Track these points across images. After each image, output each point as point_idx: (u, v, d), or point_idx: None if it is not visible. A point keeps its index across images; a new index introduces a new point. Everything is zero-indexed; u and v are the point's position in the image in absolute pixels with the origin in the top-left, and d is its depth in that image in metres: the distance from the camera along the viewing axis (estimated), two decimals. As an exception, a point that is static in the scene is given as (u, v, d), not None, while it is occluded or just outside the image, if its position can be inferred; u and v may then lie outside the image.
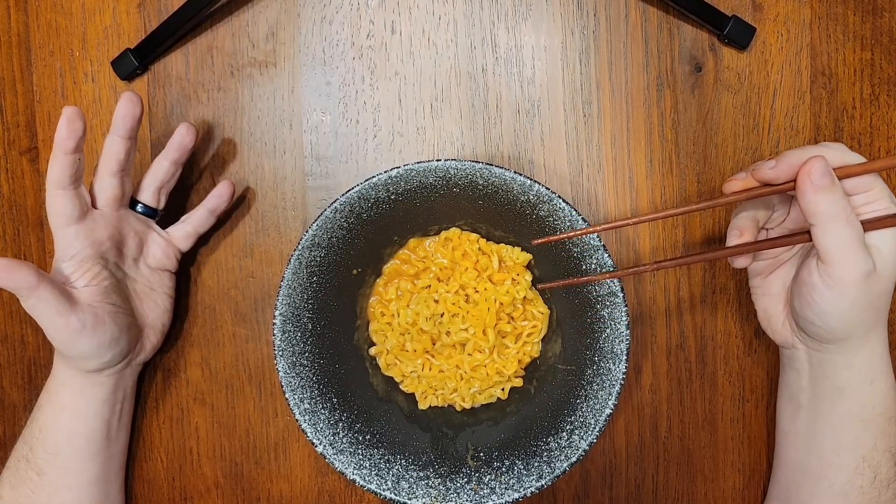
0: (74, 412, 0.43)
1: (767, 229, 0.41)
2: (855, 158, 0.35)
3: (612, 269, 0.40)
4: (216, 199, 0.45)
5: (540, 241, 0.40)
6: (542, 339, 0.45)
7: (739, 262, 0.40)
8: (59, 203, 0.39)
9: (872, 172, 0.35)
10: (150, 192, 0.44)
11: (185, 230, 0.45)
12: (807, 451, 0.41)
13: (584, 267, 0.41)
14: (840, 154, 0.35)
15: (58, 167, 0.38)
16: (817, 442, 0.40)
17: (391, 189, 0.41)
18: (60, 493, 0.43)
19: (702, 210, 0.42)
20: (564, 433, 0.41)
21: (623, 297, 0.40)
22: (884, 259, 0.35)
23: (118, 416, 0.45)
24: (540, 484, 0.40)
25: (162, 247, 0.44)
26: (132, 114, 0.40)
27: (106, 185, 0.41)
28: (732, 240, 0.39)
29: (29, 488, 0.43)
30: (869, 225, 0.35)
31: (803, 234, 0.37)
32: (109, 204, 0.41)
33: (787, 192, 0.37)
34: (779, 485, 0.44)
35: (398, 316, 0.44)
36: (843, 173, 0.35)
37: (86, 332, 0.40)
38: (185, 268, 0.48)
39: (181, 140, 0.43)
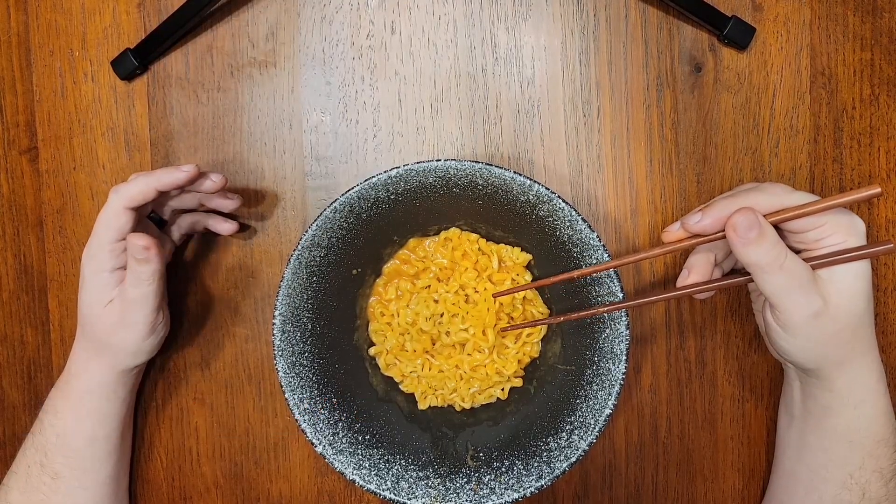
0: (98, 416, 0.43)
1: (723, 266, 0.41)
2: (796, 198, 0.34)
3: (612, 269, 0.40)
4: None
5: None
6: (542, 339, 0.45)
7: (699, 296, 0.40)
8: (123, 220, 0.40)
9: (806, 216, 0.34)
10: (168, 209, 0.45)
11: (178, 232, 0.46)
12: (798, 460, 0.41)
13: (583, 266, 0.41)
14: (777, 198, 0.34)
15: (140, 192, 0.39)
16: (807, 454, 0.40)
17: (391, 189, 0.41)
18: (76, 494, 0.44)
19: (654, 257, 0.42)
20: (564, 433, 0.41)
21: (623, 297, 0.40)
22: (839, 295, 0.34)
23: (130, 414, 0.46)
24: (540, 484, 0.40)
25: (168, 247, 0.46)
26: (218, 185, 0.41)
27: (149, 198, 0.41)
28: (682, 279, 0.39)
29: (43, 493, 0.43)
30: (818, 264, 0.34)
31: (748, 275, 0.36)
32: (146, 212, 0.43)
33: (719, 240, 0.36)
34: (774, 490, 0.44)
35: (398, 316, 0.44)
36: (778, 219, 0.34)
37: (159, 329, 0.43)
38: (186, 268, 0.48)
39: (212, 186, 0.42)
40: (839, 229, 0.34)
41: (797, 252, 0.36)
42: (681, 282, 0.39)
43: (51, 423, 0.43)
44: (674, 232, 0.37)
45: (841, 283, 0.34)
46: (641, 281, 0.47)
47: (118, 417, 0.45)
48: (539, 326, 0.44)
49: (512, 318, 0.44)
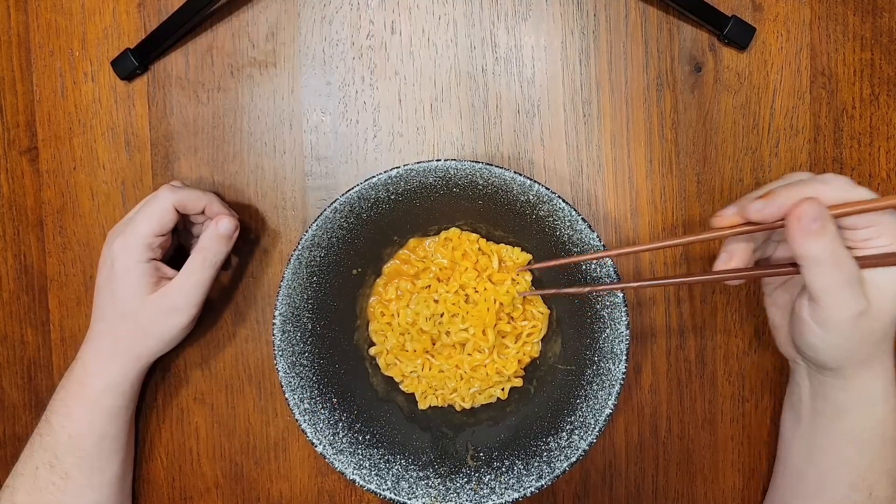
0: (111, 414, 0.44)
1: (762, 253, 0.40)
2: (860, 193, 0.33)
3: (611, 269, 0.40)
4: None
5: (538, 265, 0.41)
6: (542, 339, 0.45)
7: (732, 282, 0.39)
8: (169, 217, 0.42)
9: (871, 212, 0.33)
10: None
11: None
12: (806, 461, 0.41)
13: (583, 266, 0.41)
14: (841, 191, 0.34)
15: (191, 200, 0.42)
16: (817, 455, 0.40)
17: (391, 189, 0.41)
18: (84, 494, 0.44)
19: (696, 242, 0.40)
20: (564, 433, 0.41)
21: (623, 297, 0.40)
22: (882, 297, 0.34)
23: (135, 411, 0.47)
24: (540, 484, 0.40)
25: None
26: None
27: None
28: (721, 263, 0.38)
29: (51, 493, 0.43)
30: (867, 262, 0.34)
31: (795, 266, 0.35)
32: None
33: (776, 229, 0.35)
34: (778, 490, 0.44)
35: (398, 316, 0.44)
36: (840, 212, 0.33)
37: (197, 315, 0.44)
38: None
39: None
40: (890, 230, 0.34)
41: None
42: (720, 265, 0.37)
43: (61, 424, 0.43)
44: (728, 216, 0.35)
45: (886, 284, 0.34)
46: (640, 279, 0.47)
47: (128, 414, 0.45)
48: (539, 326, 0.44)
49: (512, 317, 0.44)
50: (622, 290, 0.39)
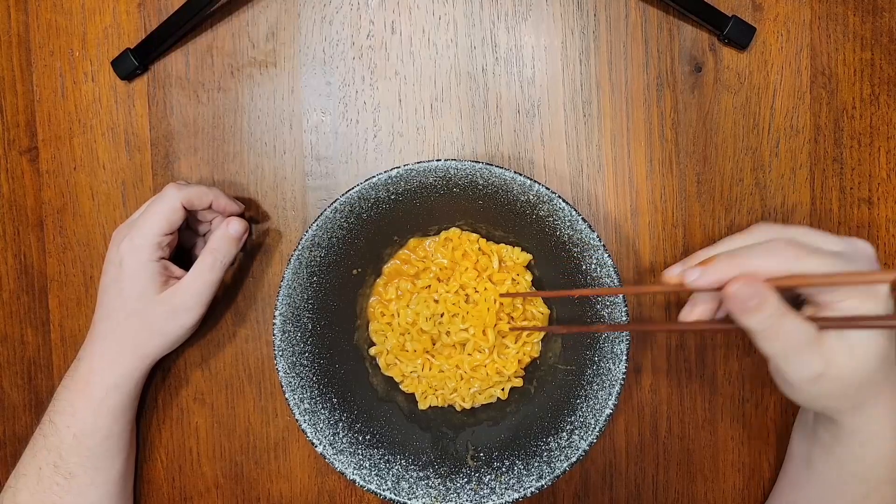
0: (116, 412, 0.44)
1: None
2: (809, 265, 0.31)
3: (611, 269, 0.40)
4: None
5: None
6: (542, 339, 0.45)
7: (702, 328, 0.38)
8: (178, 216, 0.43)
9: (817, 286, 0.31)
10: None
11: None
12: (807, 480, 0.41)
13: (583, 267, 0.41)
14: (787, 263, 0.31)
15: (198, 197, 0.43)
16: (815, 477, 0.40)
17: (391, 189, 0.41)
18: (88, 493, 0.44)
19: (655, 293, 0.43)
20: (564, 433, 0.41)
21: (623, 297, 0.40)
22: (847, 356, 0.32)
23: (137, 409, 0.47)
24: (540, 484, 0.40)
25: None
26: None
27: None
28: (684, 313, 0.37)
29: (55, 493, 0.43)
30: (831, 323, 0.32)
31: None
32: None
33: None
34: (781, 499, 0.44)
35: (398, 316, 0.44)
36: (785, 284, 0.31)
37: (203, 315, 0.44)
38: (186, 268, 0.48)
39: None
40: (855, 293, 0.31)
41: (804, 303, 0.34)
42: (684, 315, 0.37)
43: (66, 423, 0.43)
44: (674, 276, 0.35)
45: (852, 347, 0.32)
46: (641, 284, 0.47)
47: (132, 413, 0.46)
48: (540, 324, 0.44)
49: (512, 317, 0.44)
50: (573, 332, 0.41)
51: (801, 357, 0.32)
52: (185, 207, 0.42)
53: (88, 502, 0.44)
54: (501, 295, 0.43)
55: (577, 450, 0.40)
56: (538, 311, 0.44)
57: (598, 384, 0.41)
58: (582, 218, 0.40)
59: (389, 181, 0.41)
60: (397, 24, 0.47)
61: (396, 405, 0.45)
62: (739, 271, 0.32)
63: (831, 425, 0.37)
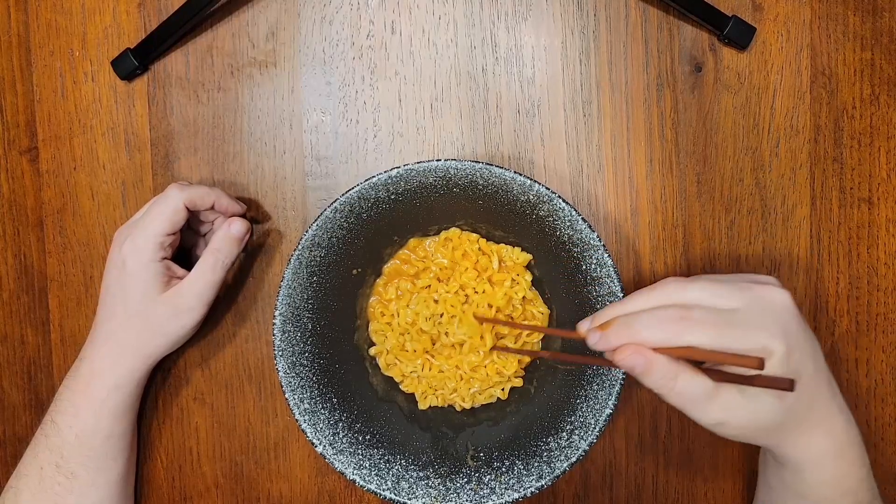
0: (118, 412, 0.44)
1: None
2: (693, 338, 0.31)
3: (611, 269, 0.40)
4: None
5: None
6: (542, 339, 0.45)
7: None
8: (180, 216, 0.43)
9: (700, 359, 0.32)
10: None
11: None
12: (766, 495, 0.41)
13: (583, 266, 0.41)
14: (674, 337, 0.32)
15: (200, 197, 0.43)
16: (770, 493, 0.41)
17: (391, 189, 0.41)
18: (89, 493, 0.44)
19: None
20: (564, 433, 0.41)
21: (623, 297, 0.40)
22: (742, 412, 0.33)
23: (138, 409, 0.47)
24: (540, 484, 0.40)
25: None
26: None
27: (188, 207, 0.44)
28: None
29: (56, 493, 0.43)
30: (734, 379, 0.33)
31: None
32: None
33: None
34: None
35: (398, 316, 0.44)
36: (670, 354, 0.32)
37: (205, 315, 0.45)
38: (186, 268, 0.48)
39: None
40: (743, 360, 0.32)
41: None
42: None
43: (68, 424, 0.43)
44: (583, 331, 0.35)
45: (748, 400, 0.33)
46: (641, 284, 0.47)
47: (133, 413, 0.46)
48: (540, 324, 0.44)
49: (511, 317, 0.44)
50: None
51: (699, 408, 0.33)
52: (187, 208, 0.42)
53: (90, 503, 0.44)
54: (476, 316, 0.43)
55: (577, 450, 0.40)
56: (538, 310, 0.44)
57: (598, 384, 0.41)
58: (582, 218, 0.40)
59: (389, 181, 0.41)
60: (397, 24, 0.47)
61: (396, 405, 0.45)
62: (628, 341, 0.33)
63: (773, 452, 0.37)
